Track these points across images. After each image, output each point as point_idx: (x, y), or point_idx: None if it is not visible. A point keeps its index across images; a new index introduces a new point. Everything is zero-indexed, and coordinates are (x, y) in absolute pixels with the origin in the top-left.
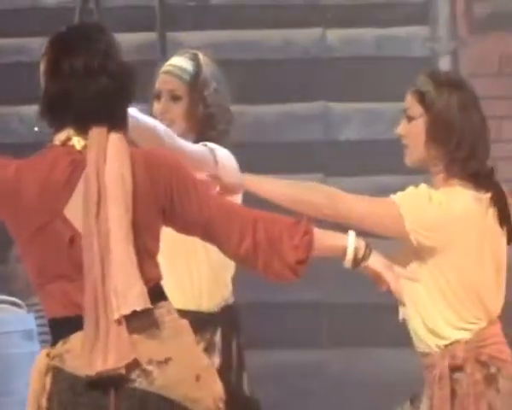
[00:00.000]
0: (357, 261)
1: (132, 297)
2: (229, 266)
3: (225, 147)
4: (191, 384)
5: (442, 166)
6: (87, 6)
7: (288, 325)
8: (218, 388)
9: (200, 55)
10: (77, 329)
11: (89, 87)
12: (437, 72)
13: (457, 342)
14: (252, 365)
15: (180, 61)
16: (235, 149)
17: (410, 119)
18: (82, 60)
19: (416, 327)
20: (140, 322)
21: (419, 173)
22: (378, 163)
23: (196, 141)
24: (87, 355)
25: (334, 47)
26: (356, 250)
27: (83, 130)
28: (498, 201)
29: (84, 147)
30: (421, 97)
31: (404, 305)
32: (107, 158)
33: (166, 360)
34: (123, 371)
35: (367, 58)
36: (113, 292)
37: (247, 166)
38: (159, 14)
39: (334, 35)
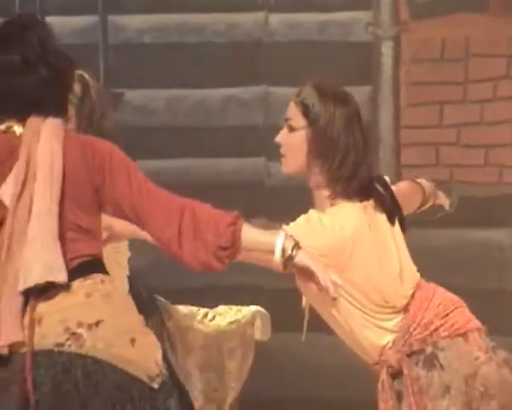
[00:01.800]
0: (285, 261)
1: (38, 269)
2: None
3: None
4: (125, 346)
5: (324, 182)
6: None
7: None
8: (157, 353)
9: (86, 76)
10: None
11: (27, 79)
12: (323, 83)
13: (386, 346)
14: None
15: None
16: (180, 132)
17: (292, 129)
18: (19, 53)
19: (351, 346)
20: (58, 292)
21: None
22: None
23: None
24: None
25: (277, 31)
26: (283, 251)
27: (24, 119)
28: (382, 204)
29: (21, 134)
30: (306, 110)
31: (335, 297)
32: (41, 139)
33: (97, 323)
34: (5, 352)
35: (309, 43)
36: (21, 266)
37: (191, 149)
38: None
39: (277, 19)
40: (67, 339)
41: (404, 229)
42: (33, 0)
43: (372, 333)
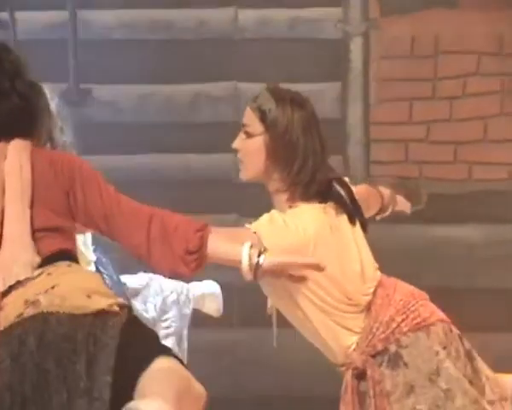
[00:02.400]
0: (254, 270)
1: (18, 268)
2: None
3: None
4: (81, 299)
5: (284, 187)
6: None
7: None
8: (112, 301)
9: (46, 89)
10: None
11: (1, 106)
12: (280, 88)
13: (351, 348)
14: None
15: None
16: (150, 128)
17: (249, 135)
18: None
19: (319, 347)
20: (25, 282)
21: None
22: None
23: None
24: None
25: (247, 28)
26: (249, 260)
27: None
28: (342, 205)
29: None
30: (263, 115)
31: (322, 269)
32: (7, 156)
33: (53, 286)
34: None
35: (279, 40)
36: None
37: (159, 145)
38: None
39: (247, 16)
40: (26, 307)
41: (365, 229)
42: None
43: (337, 334)
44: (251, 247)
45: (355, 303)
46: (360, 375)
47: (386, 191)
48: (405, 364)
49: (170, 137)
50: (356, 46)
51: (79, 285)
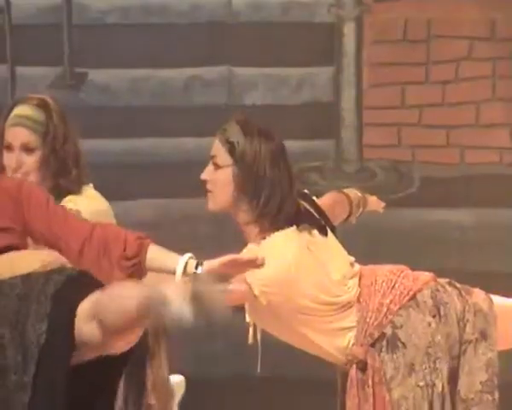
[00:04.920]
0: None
1: None
2: None
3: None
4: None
5: (252, 218)
6: None
7: None
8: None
9: (49, 100)
10: None
11: None
12: (247, 121)
13: (349, 344)
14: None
15: (30, 112)
16: (142, 112)
17: (218, 166)
18: None
19: (319, 355)
20: None
21: (323, 137)
22: (282, 127)
23: (52, 189)
24: None
25: (241, 12)
26: (185, 270)
27: None
28: (311, 223)
29: None
30: (231, 148)
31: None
32: None
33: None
34: None
35: (273, 24)
36: None
37: (154, 129)
38: None
39: (241, 0)
40: None
41: (335, 233)
42: None
43: (335, 338)
44: (190, 258)
45: (344, 304)
46: (363, 367)
47: (355, 194)
48: (403, 344)
49: (164, 120)
50: (349, 30)
51: (36, 257)
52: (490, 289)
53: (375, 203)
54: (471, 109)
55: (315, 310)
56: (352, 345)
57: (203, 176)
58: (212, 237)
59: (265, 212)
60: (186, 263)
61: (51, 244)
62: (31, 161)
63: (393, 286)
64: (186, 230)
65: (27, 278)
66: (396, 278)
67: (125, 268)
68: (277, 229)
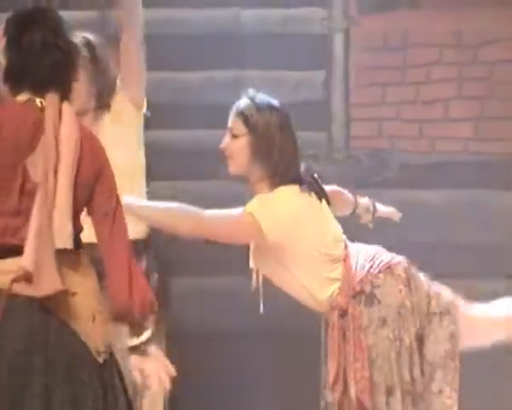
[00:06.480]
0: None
1: (66, 236)
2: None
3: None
4: (86, 322)
5: (265, 176)
6: None
7: (207, 255)
8: (106, 330)
9: (90, 38)
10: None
11: (45, 59)
12: (259, 96)
13: (334, 294)
14: (176, 289)
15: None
16: (165, 108)
17: (235, 136)
18: (39, 36)
19: (305, 302)
20: (67, 259)
21: (316, 130)
22: None
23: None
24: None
25: (248, 24)
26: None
27: (39, 94)
28: (312, 188)
29: (43, 108)
30: (246, 119)
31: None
32: (62, 123)
33: (73, 294)
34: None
35: (275, 34)
36: (54, 230)
37: (176, 121)
38: None
39: (248, 14)
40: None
41: (328, 203)
42: None
43: (322, 285)
44: None
45: (335, 257)
46: (342, 314)
47: (365, 200)
48: (379, 301)
49: (183, 116)
50: (338, 40)
51: (88, 303)
52: (455, 256)
53: (391, 213)
54: (440, 106)
55: (312, 257)
56: (337, 295)
57: (222, 145)
58: None
59: (276, 171)
60: None
61: (93, 215)
62: (79, 82)
63: (373, 257)
64: None
65: None
66: (374, 253)
67: (139, 315)
68: (286, 184)
